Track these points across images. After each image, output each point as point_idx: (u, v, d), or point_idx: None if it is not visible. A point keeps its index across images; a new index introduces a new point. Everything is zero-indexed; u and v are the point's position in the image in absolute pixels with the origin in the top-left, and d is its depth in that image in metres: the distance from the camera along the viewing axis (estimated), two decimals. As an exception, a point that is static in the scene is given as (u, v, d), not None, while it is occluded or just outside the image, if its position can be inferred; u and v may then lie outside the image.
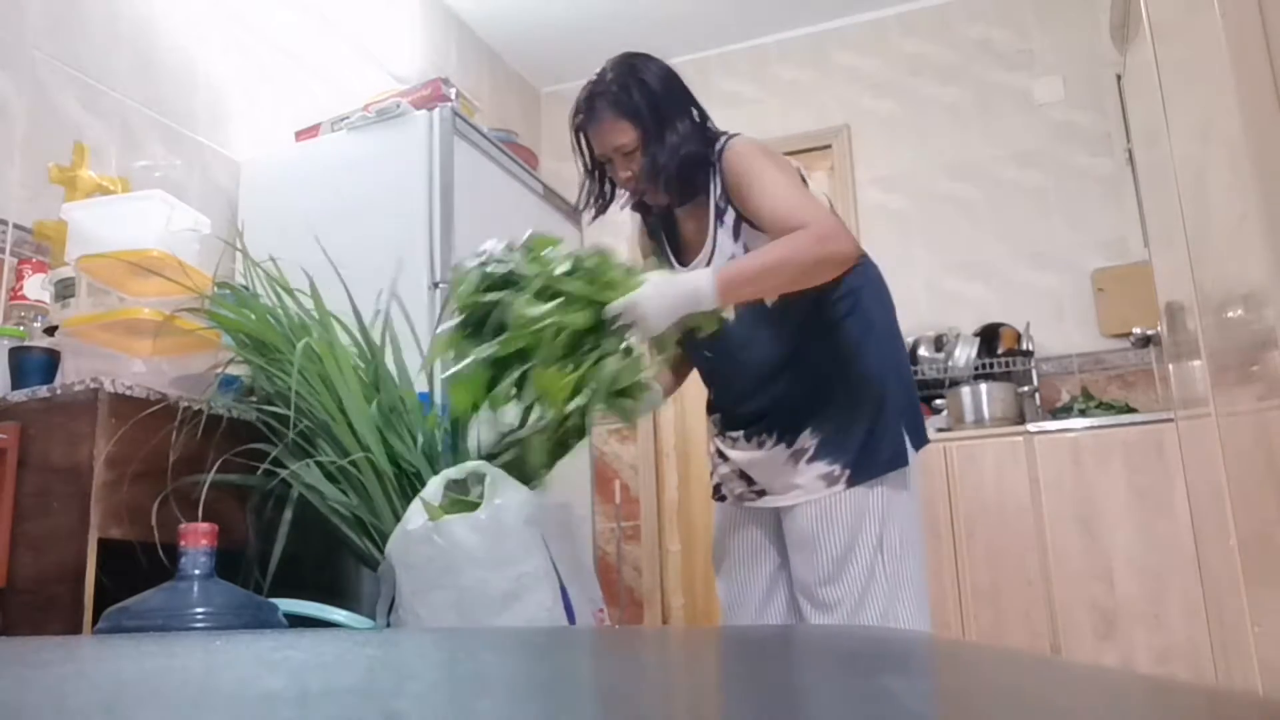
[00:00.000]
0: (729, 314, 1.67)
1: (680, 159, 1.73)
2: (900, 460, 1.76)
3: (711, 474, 1.96)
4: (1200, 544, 2.79)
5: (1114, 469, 3.13)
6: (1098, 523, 3.11)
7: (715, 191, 1.78)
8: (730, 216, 1.75)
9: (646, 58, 1.79)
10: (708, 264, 1.75)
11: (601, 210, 1.87)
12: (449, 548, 1.50)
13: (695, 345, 1.85)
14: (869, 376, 1.76)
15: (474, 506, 1.54)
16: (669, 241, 1.89)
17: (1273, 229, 1.46)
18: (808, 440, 1.75)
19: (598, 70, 1.79)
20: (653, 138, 1.72)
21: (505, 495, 1.53)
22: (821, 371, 1.75)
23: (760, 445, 1.80)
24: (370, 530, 1.78)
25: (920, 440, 1.82)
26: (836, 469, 1.73)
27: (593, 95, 1.75)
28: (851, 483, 1.72)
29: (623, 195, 1.87)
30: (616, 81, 1.74)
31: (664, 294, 1.54)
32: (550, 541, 1.56)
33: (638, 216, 1.95)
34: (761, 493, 1.83)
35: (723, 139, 1.79)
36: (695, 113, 1.79)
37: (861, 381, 1.76)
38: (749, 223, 1.72)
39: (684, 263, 1.85)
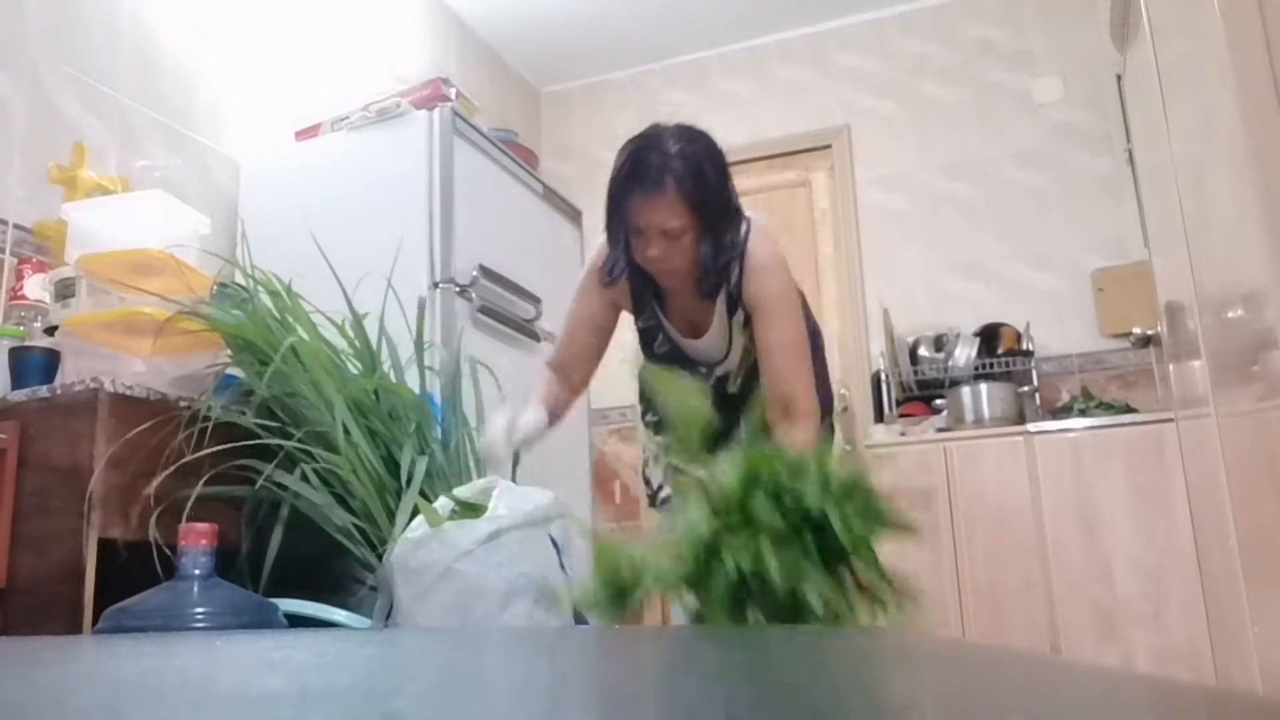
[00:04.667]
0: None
1: (722, 261, 1.70)
2: None
3: (649, 485, 2.01)
4: (1200, 544, 2.79)
5: (1114, 469, 3.13)
6: (1098, 523, 3.11)
7: (730, 281, 1.76)
8: (739, 312, 1.77)
9: (705, 136, 1.71)
10: (724, 354, 1.81)
11: (617, 279, 1.80)
12: (448, 552, 1.51)
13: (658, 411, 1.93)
14: (824, 408, 1.87)
15: (480, 513, 1.56)
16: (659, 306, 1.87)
17: (1273, 229, 1.46)
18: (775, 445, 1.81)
19: (653, 134, 1.68)
20: (706, 231, 1.67)
21: (511, 502, 1.55)
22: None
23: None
24: (368, 536, 1.78)
25: None
26: None
27: (656, 167, 1.63)
28: None
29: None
30: (684, 161, 1.63)
31: None
32: (562, 544, 1.58)
33: (596, 270, 1.86)
34: None
35: (744, 226, 1.76)
36: (734, 199, 1.74)
37: (820, 412, 1.86)
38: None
39: (694, 337, 1.84)
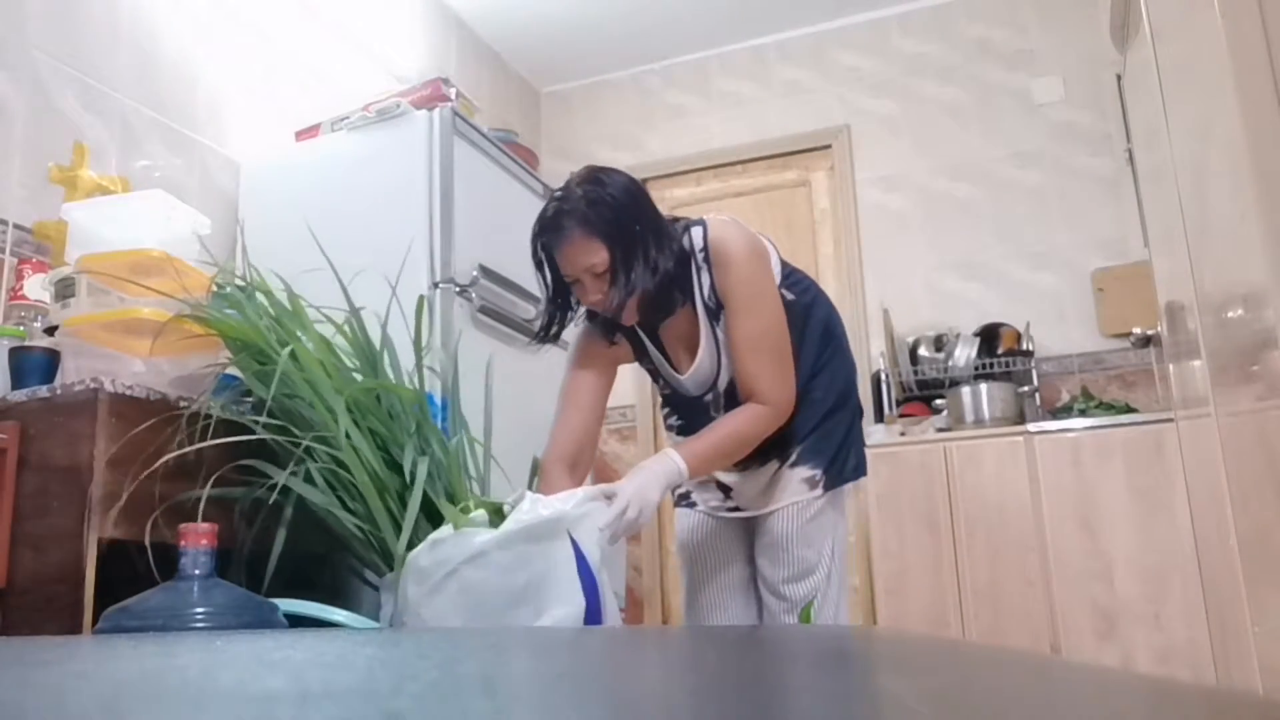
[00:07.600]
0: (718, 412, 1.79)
1: (658, 280, 1.64)
2: (861, 470, 1.86)
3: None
4: (1200, 544, 2.79)
5: (1114, 469, 3.13)
6: (1098, 523, 3.11)
7: (703, 289, 1.72)
8: (722, 317, 1.72)
9: (610, 171, 1.69)
10: (715, 372, 1.77)
11: (555, 337, 1.76)
12: (458, 552, 1.52)
13: (681, 416, 1.90)
14: (846, 392, 1.86)
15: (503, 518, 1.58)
16: (653, 343, 1.83)
17: (1273, 229, 1.46)
18: (795, 448, 1.80)
19: (562, 186, 1.68)
20: (625, 257, 1.62)
21: (531, 509, 1.56)
22: (813, 398, 1.81)
23: (747, 469, 1.83)
24: (369, 537, 1.77)
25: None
26: (818, 473, 1.79)
27: (559, 213, 1.63)
28: (827, 488, 1.79)
29: (578, 313, 1.78)
30: (585, 198, 1.62)
31: (652, 485, 1.63)
32: (586, 546, 1.58)
33: (585, 326, 1.84)
34: (736, 508, 1.88)
35: (697, 229, 1.71)
36: (660, 221, 1.70)
37: (840, 396, 1.85)
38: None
39: (680, 369, 1.82)
